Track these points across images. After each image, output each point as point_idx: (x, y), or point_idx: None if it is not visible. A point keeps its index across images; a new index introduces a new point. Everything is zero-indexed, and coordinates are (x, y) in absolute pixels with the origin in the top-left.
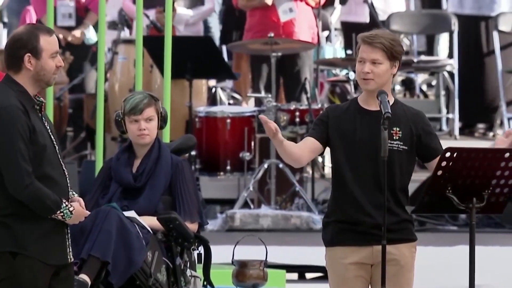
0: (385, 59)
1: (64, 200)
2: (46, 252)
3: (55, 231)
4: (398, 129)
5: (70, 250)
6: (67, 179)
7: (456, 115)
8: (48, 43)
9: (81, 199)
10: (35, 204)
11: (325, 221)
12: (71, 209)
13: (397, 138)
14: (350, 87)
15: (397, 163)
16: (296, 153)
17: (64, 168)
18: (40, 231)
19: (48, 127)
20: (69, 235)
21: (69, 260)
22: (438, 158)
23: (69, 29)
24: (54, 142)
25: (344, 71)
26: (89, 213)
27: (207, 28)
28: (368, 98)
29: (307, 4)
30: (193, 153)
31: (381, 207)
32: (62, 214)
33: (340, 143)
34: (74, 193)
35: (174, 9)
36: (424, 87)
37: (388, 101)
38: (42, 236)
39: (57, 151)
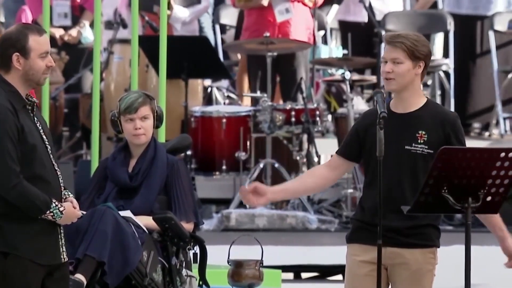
0: (406, 58)
1: (54, 200)
2: (38, 252)
3: (46, 231)
4: (423, 132)
5: (64, 250)
6: (60, 179)
7: None
8: (38, 43)
9: (74, 200)
10: (23, 204)
11: (350, 219)
12: (61, 209)
13: (421, 141)
14: (346, 87)
15: (421, 167)
16: (314, 185)
17: (56, 168)
18: (31, 231)
19: (40, 127)
20: (62, 235)
21: (63, 260)
22: None
23: (65, 28)
24: (46, 142)
25: (340, 71)
26: (81, 214)
27: (200, 28)
28: (396, 101)
29: (304, 4)
30: (188, 152)
31: (398, 211)
32: (52, 214)
33: (368, 148)
34: (69, 193)
35: (171, 8)
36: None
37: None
38: (34, 236)
39: (49, 151)
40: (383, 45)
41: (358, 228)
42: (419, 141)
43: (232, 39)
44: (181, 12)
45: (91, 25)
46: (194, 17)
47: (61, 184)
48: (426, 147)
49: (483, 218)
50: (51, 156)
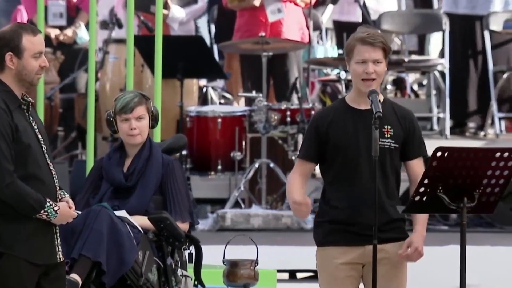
0: (383, 57)
1: (48, 200)
2: (33, 252)
3: (42, 230)
4: (389, 127)
5: (60, 249)
6: (55, 178)
7: (447, 115)
8: (31, 42)
9: (70, 200)
10: (17, 203)
11: (316, 220)
12: (55, 208)
13: (388, 136)
14: (341, 87)
15: (389, 161)
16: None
17: (51, 168)
18: (26, 231)
19: (35, 127)
20: (58, 234)
21: (58, 259)
22: (414, 160)
23: (60, 28)
24: (41, 142)
25: (335, 71)
26: (76, 214)
27: (196, 28)
28: (359, 97)
29: (296, 4)
30: (184, 152)
31: (373, 207)
32: (46, 213)
33: (333, 145)
34: (65, 193)
35: (168, 7)
36: (415, 87)
37: (380, 100)
38: (29, 235)
39: (44, 151)
40: None
41: (333, 230)
42: (386, 135)
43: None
44: (178, 12)
45: (87, 26)
46: (191, 17)
47: (56, 184)
48: (393, 141)
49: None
50: (46, 155)
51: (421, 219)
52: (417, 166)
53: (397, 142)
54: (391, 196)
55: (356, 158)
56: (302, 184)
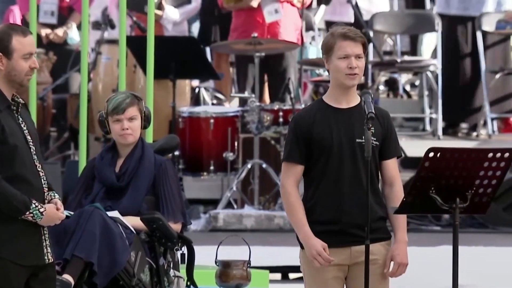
0: (363, 53)
1: (34, 201)
2: (20, 253)
3: (28, 231)
4: (371, 125)
5: (49, 251)
6: (43, 180)
7: (439, 115)
8: (21, 43)
9: (58, 201)
10: (1, 204)
11: None
12: (41, 210)
13: (371, 134)
14: None
15: (373, 160)
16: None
17: (39, 169)
18: (12, 232)
19: (24, 128)
20: (46, 236)
21: (47, 260)
22: (389, 160)
23: (51, 27)
24: (30, 143)
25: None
26: (64, 216)
27: (188, 28)
28: (340, 96)
29: (293, 5)
30: (176, 153)
31: (359, 206)
32: (32, 215)
33: (316, 146)
34: (55, 194)
35: (163, 8)
36: (408, 87)
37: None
38: (15, 237)
39: (32, 152)
40: (371, 45)
41: (317, 232)
42: (371, 140)
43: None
44: (172, 13)
45: (79, 27)
46: (185, 17)
47: (44, 185)
48: (374, 139)
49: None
50: (35, 157)
51: (401, 225)
52: (392, 167)
53: (378, 140)
54: (376, 194)
55: (339, 158)
56: (298, 200)
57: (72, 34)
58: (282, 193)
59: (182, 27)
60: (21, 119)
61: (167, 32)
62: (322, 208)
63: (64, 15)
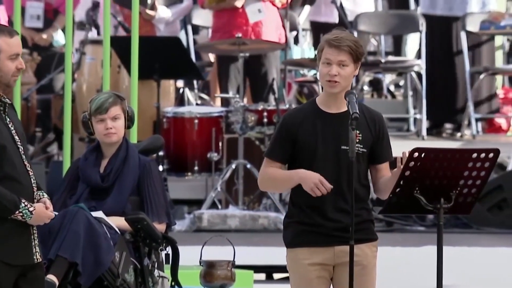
0: (351, 61)
1: (23, 200)
2: (9, 253)
3: (18, 231)
4: (358, 131)
5: (37, 250)
6: (32, 179)
7: (423, 116)
8: (7, 44)
9: (47, 201)
10: None
11: (286, 221)
12: (31, 209)
13: (357, 141)
14: (318, 88)
15: (357, 166)
16: None
17: (28, 169)
18: (2, 232)
19: (11, 128)
20: (35, 235)
21: (36, 260)
22: (382, 165)
23: (37, 30)
24: (18, 143)
25: (312, 72)
26: (54, 215)
27: (181, 27)
28: (329, 100)
29: (273, 5)
30: (160, 153)
31: (342, 210)
32: (21, 214)
33: (301, 147)
34: (43, 193)
35: (155, 8)
36: (392, 88)
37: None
38: (4, 236)
39: (21, 152)
40: None
41: (301, 231)
42: (355, 140)
43: (205, 39)
44: (165, 13)
45: (64, 30)
46: (177, 17)
47: (34, 185)
48: (361, 146)
49: (383, 186)
50: (23, 156)
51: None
52: (385, 171)
53: (365, 147)
54: (361, 200)
55: (323, 162)
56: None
57: (58, 36)
58: (260, 180)
59: (175, 27)
60: (8, 119)
61: (159, 32)
62: (305, 209)
63: (50, 18)
